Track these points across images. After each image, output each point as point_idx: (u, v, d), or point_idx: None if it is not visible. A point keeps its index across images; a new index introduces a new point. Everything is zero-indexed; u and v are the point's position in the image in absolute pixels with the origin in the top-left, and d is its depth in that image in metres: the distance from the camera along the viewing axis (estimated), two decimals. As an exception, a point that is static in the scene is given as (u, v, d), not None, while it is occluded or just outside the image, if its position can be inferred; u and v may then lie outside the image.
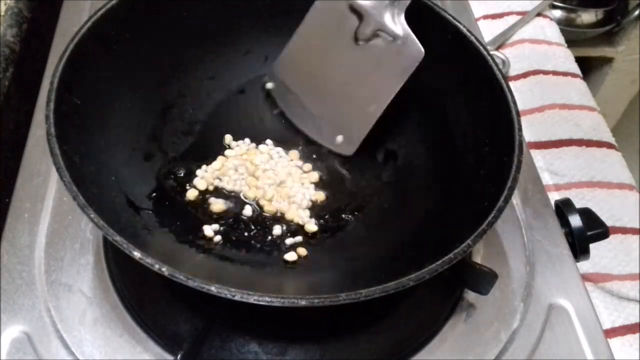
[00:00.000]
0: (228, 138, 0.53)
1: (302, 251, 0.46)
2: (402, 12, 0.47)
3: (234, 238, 0.47)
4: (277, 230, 0.47)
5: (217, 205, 0.48)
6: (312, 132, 0.53)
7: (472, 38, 0.48)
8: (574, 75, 0.83)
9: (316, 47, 0.51)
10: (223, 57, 0.55)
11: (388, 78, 0.49)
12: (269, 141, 0.53)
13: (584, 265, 0.64)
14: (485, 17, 0.89)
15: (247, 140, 0.53)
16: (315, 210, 0.50)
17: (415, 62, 0.47)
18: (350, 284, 0.44)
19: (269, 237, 0.47)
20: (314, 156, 0.53)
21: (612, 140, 0.77)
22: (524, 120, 0.76)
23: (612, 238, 0.67)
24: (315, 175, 0.51)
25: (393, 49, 0.48)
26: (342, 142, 0.52)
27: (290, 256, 0.45)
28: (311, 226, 0.48)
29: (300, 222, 0.48)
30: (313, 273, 0.45)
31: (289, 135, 0.54)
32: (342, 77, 0.51)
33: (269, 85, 0.55)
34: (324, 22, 0.50)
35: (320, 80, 0.52)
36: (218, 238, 0.46)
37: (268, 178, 0.50)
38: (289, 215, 0.48)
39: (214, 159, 0.51)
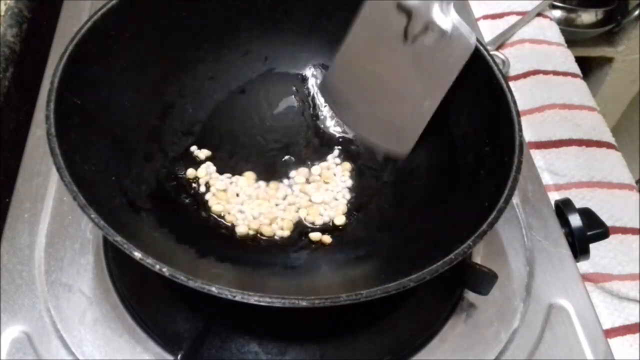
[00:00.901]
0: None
1: (327, 238, 0.47)
2: (450, 4, 0.47)
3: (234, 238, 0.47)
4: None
5: (217, 207, 0.48)
6: (367, 134, 0.53)
7: (472, 38, 0.48)
8: (574, 75, 0.83)
9: (367, 49, 0.51)
10: (223, 57, 0.55)
11: (439, 73, 0.48)
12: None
13: (584, 265, 0.64)
14: (485, 17, 0.89)
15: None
16: (316, 210, 0.50)
17: (465, 56, 0.47)
18: (350, 285, 0.44)
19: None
20: (314, 156, 0.53)
21: (612, 140, 0.77)
22: (524, 120, 0.76)
23: (612, 238, 0.67)
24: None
25: (442, 44, 0.47)
26: (397, 142, 0.51)
27: (315, 236, 0.47)
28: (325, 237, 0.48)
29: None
30: (313, 273, 0.45)
31: (290, 135, 0.54)
32: (394, 77, 0.50)
33: (323, 95, 0.55)
34: (374, 24, 0.49)
35: (373, 81, 0.51)
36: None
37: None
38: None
39: (215, 159, 0.51)
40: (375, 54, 0.50)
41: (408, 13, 0.47)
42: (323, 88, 0.55)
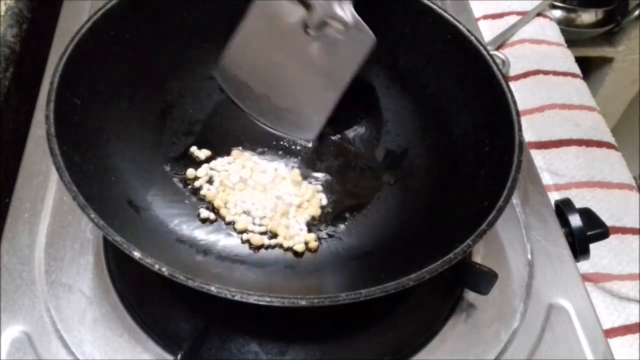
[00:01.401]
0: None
1: (313, 244, 0.47)
2: (349, 4, 0.47)
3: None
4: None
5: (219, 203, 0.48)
6: (272, 122, 0.53)
7: (472, 38, 0.48)
8: (574, 75, 0.83)
9: (265, 37, 0.51)
10: (223, 57, 0.55)
11: (342, 65, 0.49)
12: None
13: (584, 265, 0.64)
14: (485, 17, 0.89)
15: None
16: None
17: (366, 49, 0.48)
18: (350, 284, 0.44)
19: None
20: (314, 157, 0.53)
21: (612, 140, 0.77)
22: (524, 120, 0.76)
23: (612, 238, 0.67)
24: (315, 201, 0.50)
25: (344, 37, 0.48)
26: (302, 129, 0.52)
27: (299, 247, 0.47)
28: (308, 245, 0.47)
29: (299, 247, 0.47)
30: (313, 273, 0.45)
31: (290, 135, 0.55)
32: (295, 66, 0.51)
33: (218, 78, 0.54)
34: (270, 13, 0.50)
35: (273, 70, 0.52)
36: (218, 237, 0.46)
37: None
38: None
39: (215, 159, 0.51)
40: (273, 42, 0.51)
41: (307, 5, 0.48)
42: (220, 75, 0.54)
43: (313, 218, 0.49)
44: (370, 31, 0.48)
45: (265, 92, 0.52)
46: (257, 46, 0.51)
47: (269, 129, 0.54)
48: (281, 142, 0.54)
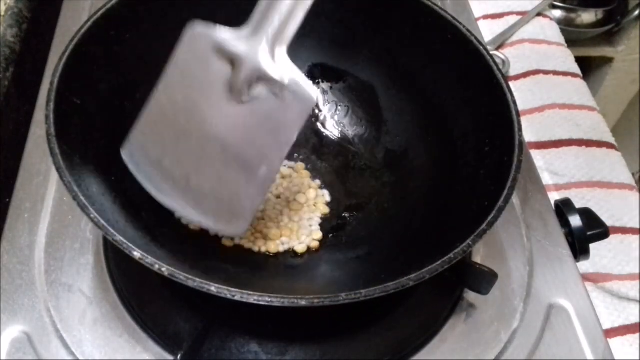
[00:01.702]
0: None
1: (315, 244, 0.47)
2: (284, 51, 0.39)
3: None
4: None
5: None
6: (191, 213, 0.42)
7: (472, 38, 0.48)
8: (574, 75, 0.83)
9: (182, 105, 0.41)
10: (223, 57, 0.55)
11: (277, 132, 0.40)
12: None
13: (584, 265, 0.64)
14: (485, 17, 0.89)
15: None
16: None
17: (306, 111, 0.39)
18: (350, 284, 0.44)
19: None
20: (314, 157, 0.53)
21: (612, 140, 0.77)
22: (524, 120, 0.76)
23: (612, 238, 0.67)
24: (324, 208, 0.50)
25: (279, 97, 0.39)
26: (227, 220, 0.42)
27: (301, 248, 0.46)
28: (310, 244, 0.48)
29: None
30: (313, 273, 0.45)
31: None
32: (220, 138, 0.40)
33: (125, 159, 0.43)
34: (190, 74, 0.40)
35: (192, 144, 0.41)
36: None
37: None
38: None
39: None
40: (194, 110, 0.41)
41: (231, 61, 0.39)
42: (129, 154, 0.43)
43: (323, 215, 0.49)
44: (310, 91, 0.39)
45: (182, 172, 0.41)
46: (172, 115, 0.41)
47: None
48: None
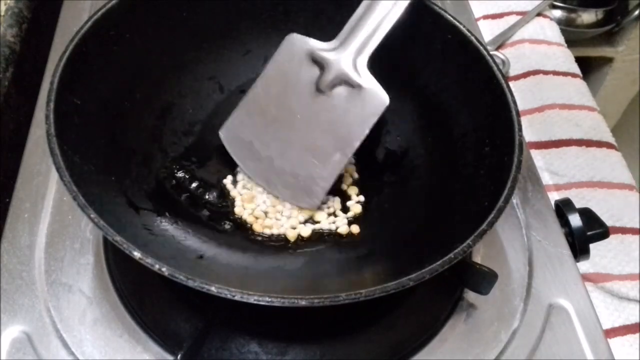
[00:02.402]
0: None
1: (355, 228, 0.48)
2: (364, 62, 0.47)
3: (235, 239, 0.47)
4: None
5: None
6: (272, 187, 0.50)
7: (472, 38, 0.48)
8: (574, 75, 0.83)
9: (275, 96, 0.49)
10: (223, 57, 0.55)
11: (352, 126, 0.48)
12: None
13: (584, 265, 0.64)
14: (485, 17, 0.89)
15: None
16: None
17: (378, 111, 0.47)
18: (350, 284, 0.44)
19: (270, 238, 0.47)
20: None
21: (612, 140, 0.77)
22: (524, 120, 0.76)
23: (612, 238, 0.67)
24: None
25: (357, 98, 0.47)
26: (303, 196, 0.49)
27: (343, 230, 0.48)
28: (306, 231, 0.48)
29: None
30: (313, 273, 0.45)
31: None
32: (303, 127, 0.49)
33: (222, 137, 0.51)
34: (285, 73, 0.49)
35: (279, 130, 0.49)
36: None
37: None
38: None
39: (215, 159, 0.51)
40: (285, 103, 0.49)
41: (320, 65, 0.48)
42: (226, 135, 0.51)
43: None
44: (384, 94, 0.47)
45: (269, 153, 0.50)
46: (265, 105, 0.50)
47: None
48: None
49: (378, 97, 0.47)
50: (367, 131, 0.47)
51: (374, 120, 0.47)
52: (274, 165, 0.49)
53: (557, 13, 1.14)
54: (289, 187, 0.49)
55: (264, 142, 0.50)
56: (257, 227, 0.48)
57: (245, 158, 0.50)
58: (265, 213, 0.49)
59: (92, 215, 0.36)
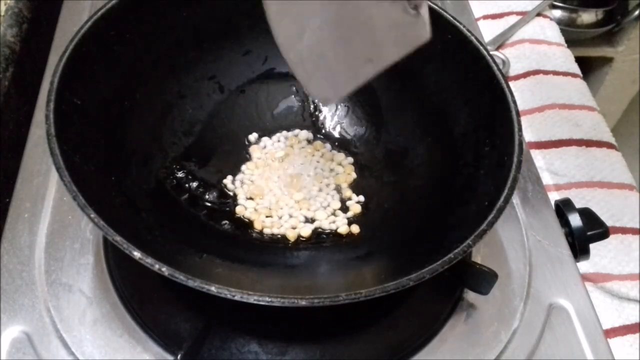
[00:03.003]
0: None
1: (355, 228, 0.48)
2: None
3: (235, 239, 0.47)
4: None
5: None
6: (297, 70, 0.47)
7: (472, 38, 0.48)
8: (574, 75, 0.83)
9: None
10: (223, 57, 0.55)
11: (389, 46, 0.46)
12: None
13: (584, 265, 0.64)
14: (485, 17, 0.89)
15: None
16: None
17: (417, 42, 0.46)
18: (350, 284, 0.44)
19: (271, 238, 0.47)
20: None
21: (612, 140, 0.77)
22: (524, 120, 0.76)
23: (612, 238, 0.67)
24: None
25: (407, 19, 0.45)
26: (326, 88, 0.47)
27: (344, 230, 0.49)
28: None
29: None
30: (313, 273, 0.45)
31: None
32: (347, 24, 0.46)
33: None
34: None
35: (321, 18, 0.46)
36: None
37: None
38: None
39: (215, 159, 0.51)
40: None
41: None
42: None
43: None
44: (428, 29, 0.45)
45: (309, 38, 0.46)
46: None
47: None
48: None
49: (425, 30, 0.45)
50: (398, 56, 0.46)
51: (409, 48, 0.45)
52: (310, 50, 0.47)
53: (557, 13, 1.14)
54: (314, 69, 0.47)
55: (306, 27, 0.46)
56: (258, 226, 0.48)
57: (285, 39, 0.47)
58: (268, 209, 0.49)
59: (92, 215, 0.36)
